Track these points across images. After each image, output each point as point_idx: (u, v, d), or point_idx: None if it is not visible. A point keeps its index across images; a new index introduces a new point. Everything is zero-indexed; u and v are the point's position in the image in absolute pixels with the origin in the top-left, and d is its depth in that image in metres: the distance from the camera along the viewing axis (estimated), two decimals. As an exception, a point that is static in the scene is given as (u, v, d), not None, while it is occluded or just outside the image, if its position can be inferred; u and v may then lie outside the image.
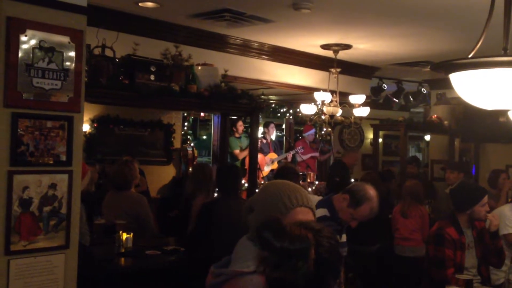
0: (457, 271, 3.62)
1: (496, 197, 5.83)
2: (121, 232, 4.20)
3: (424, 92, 10.05)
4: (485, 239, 3.92)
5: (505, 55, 1.95)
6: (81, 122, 2.98)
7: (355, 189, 3.44)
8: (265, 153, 9.23)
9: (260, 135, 9.04)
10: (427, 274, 3.92)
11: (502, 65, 1.81)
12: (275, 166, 9.17)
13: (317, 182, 8.61)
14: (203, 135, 12.14)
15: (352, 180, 7.65)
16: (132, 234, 4.22)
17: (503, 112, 2.05)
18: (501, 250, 3.89)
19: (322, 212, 3.35)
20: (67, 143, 2.88)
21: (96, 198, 5.15)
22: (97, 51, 4.30)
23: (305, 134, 10.03)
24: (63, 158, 2.88)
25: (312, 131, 9.69)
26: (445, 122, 7.83)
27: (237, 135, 8.98)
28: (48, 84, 2.81)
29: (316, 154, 9.78)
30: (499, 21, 2.10)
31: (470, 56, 2.01)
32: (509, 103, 1.92)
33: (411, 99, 10.29)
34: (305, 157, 9.52)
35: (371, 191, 3.44)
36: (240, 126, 9.01)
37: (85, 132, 6.85)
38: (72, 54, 2.90)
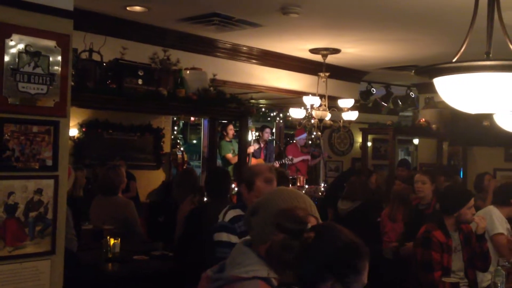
0: (444, 274, 3.63)
1: (484, 198, 5.86)
2: (108, 237, 4.18)
3: (413, 96, 10.12)
4: (471, 243, 3.94)
5: (488, 59, 1.97)
6: (67, 127, 2.96)
7: (243, 174, 3.39)
8: (256, 158, 9.23)
9: (253, 137, 9.05)
10: (415, 278, 3.93)
11: (484, 69, 1.83)
12: None
13: (307, 186, 8.62)
14: (194, 139, 12.11)
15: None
16: (119, 239, 4.20)
17: (487, 116, 2.06)
18: (487, 254, 3.91)
19: (232, 213, 3.18)
20: (53, 148, 2.86)
21: (84, 203, 5.12)
22: (84, 55, 4.29)
23: (296, 138, 10.03)
24: (49, 163, 2.86)
25: (304, 135, 9.69)
26: (433, 126, 7.86)
27: (227, 139, 8.97)
28: (34, 89, 2.80)
29: (307, 157, 9.78)
30: (484, 26, 2.12)
31: (453, 60, 2.03)
32: (492, 107, 1.94)
33: (400, 103, 10.35)
34: (295, 160, 9.52)
35: (255, 165, 3.48)
36: (231, 130, 9.00)
37: (73, 136, 6.81)
38: (58, 58, 2.88)
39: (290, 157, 9.48)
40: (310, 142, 9.93)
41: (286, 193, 1.92)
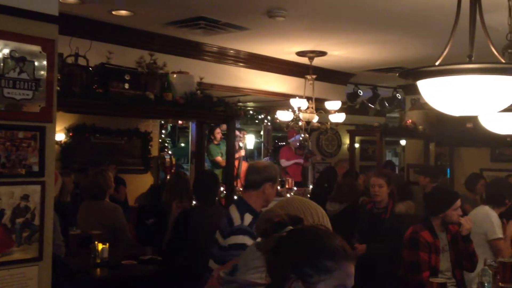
0: (432, 275, 3.66)
1: (472, 201, 5.87)
2: (96, 242, 4.16)
3: (399, 97, 10.17)
4: (459, 243, 3.97)
5: (470, 62, 1.99)
6: (54, 132, 2.95)
7: (270, 171, 3.21)
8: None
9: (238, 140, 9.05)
10: (404, 278, 3.95)
11: (466, 72, 1.85)
12: None
13: (295, 188, 8.63)
14: (182, 143, 12.09)
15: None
16: (108, 244, 4.18)
17: (470, 118, 2.09)
18: (473, 254, 3.94)
19: (249, 218, 3.03)
20: (39, 153, 2.85)
21: (71, 208, 5.09)
22: (70, 60, 4.27)
23: (290, 140, 9.99)
24: (36, 169, 2.84)
25: (297, 136, 9.58)
26: (420, 127, 7.92)
27: (215, 142, 8.97)
28: (19, 94, 2.78)
29: (301, 160, 9.72)
30: (467, 28, 2.15)
31: (436, 63, 2.05)
32: (475, 109, 1.96)
33: (387, 104, 10.41)
34: (288, 163, 9.50)
35: (267, 162, 3.46)
36: (218, 133, 9.00)
37: (60, 141, 6.78)
38: (43, 63, 2.87)
39: (266, 158, 9.46)
40: (301, 144, 9.86)
41: (297, 202, 1.99)
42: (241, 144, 9.75)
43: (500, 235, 4.46)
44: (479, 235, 4.42)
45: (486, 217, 4.54)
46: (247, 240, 2.87)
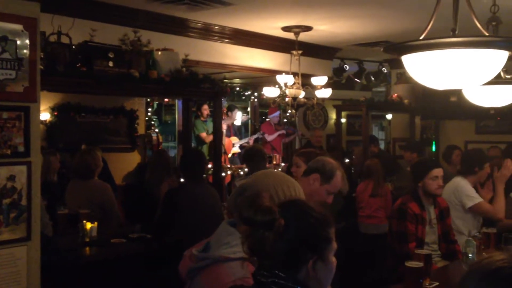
0: (418, 245, 3.73)
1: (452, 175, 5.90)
2: (85, 221, 4.16)
3: (385, 71, 10.17)
4: (445, 218, 4.06)
5: (454, 36, 2.00)
6: (38, 112, 2.93)
7: (321, 165, 3.22)
8: (228, 137, 9.25)
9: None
10: (391, 249, 4.02)
11: (450, 46, 1.86)
12: (236, 150, 9.20)
13: (283, 164, 8.66)
14: (168, 120, 12.05)
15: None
16: (96, 223, 4.18)
17: (454, 92, 2.11)
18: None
19: None
20: (24, 133, 2.84)
21: (58, 188, 5.08)
22: (52, 38, 4.21)
23: (270, 116, 10.04)
24: (21, 149, 2.84)
25: (277, 113, 9.70)
26: (405, 101, 7.94)
27: (202, 118, 8.95)
28: (2, 74, 2.76)
29: (283, 131, 9.77)
30: (451, 1, 2.15)
31: (421, 38, 2.05)
32: (459, 82, 1.97)
33: (372, 78, 10.41)
34: (271, 137, 9.53)
35: (332, 161, 3.40)
36: (205, 110, 8.96)
37: (45, 120, 6.72)
38: (26, 42, 2.84)
39: (261, 132, 9.51)
40: (285, 120, 9.93)
41: (270, 178, 1.93)
42: (237, 123, 9.75)
43: (477, 200, 4.50)
44: (455, 207, 4.48)
45: (455, 189, 4.60)
46: None
